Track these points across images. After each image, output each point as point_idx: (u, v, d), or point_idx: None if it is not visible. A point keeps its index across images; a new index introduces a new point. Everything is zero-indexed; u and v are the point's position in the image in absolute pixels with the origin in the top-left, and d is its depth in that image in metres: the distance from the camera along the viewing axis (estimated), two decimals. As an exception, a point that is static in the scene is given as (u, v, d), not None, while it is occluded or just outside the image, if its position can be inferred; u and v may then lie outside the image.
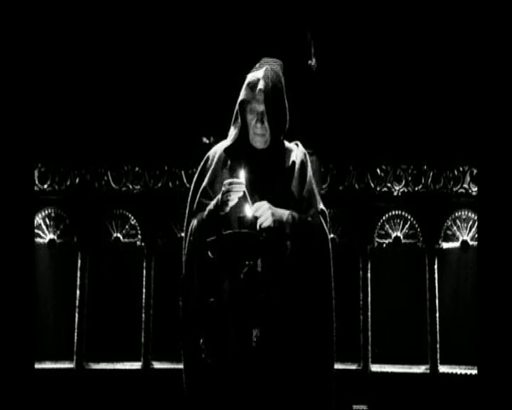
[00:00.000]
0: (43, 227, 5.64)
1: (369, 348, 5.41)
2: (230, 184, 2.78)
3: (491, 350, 3.25)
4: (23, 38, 3.60)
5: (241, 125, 2.96)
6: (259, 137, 2.92)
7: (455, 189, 5.57)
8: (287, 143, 3.05)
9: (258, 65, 3.00)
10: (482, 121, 3.63)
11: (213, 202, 2.86)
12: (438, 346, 5.35)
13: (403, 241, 5.55)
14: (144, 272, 5.57)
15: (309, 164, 3.02)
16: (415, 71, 5.86)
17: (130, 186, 5.67)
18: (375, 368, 5.41)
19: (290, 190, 2.92)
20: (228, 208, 2.81)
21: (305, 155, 3.03)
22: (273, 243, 2.78)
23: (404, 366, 5.42)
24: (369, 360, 5.40)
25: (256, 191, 2.83)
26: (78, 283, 5.56)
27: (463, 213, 5.56)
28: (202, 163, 3.06)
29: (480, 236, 3.88)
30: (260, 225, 2.74)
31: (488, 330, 3.32)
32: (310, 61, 4.46)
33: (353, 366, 5.41)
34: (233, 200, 2.79)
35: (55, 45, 5.80)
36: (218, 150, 3.03)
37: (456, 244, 5.54)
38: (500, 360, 3.22)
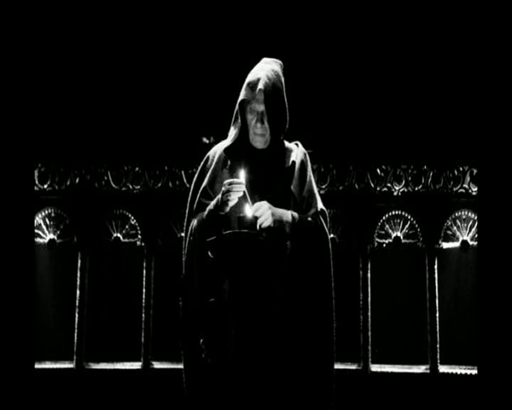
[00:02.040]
0: (43, 227, 5.64)
1: (369, 348, 5.41)
2: (230, 184, 2.77)
3: (491, 350, 3.25)
4: (23, 38, 3.60)
5: (241, 125, 2.95)
6: (259, 137, 2.92)
7: (455, 189, 5.57)
8: (287, 143, 3.05)
9: (258, 65, 3.00)
10: (482, 121, 3.63)
11: (213, 202, 2.86)
12: (438, 346, 5.35)
13: (403, 241, 5.55)
14: (144, 272, 5.57)
15: (309, 164, 3.01)
16: (415, 71, 5.85)
17: (130, 186, 5.67)
18: (375, 368, 5.41)
19: (290, 190, 2.92)
20: (228, 208, 2.81)
21: (305, 154, 3.03)
22: (273, 243, 2.78)
23: (404, 366, 5.42)
24: (369, 360, 5.40)
25: (256, 191, 2.82)
26: (78, 283, 5.56)
27: (463, 213, 5.56)
28: (202, 163, 3.06)
29: (479, 236, 3.89)
30: (260, 225, 2.74)
31: (488, 330, 3.32)
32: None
33: (353, 366, 5.41)
34: (233, 200, 2.79)
35: (55, 46, 5.80)
36: (218, 150, 3.03)
37: (456, 244, 5.54)
38: (500, 360, 3.22)
